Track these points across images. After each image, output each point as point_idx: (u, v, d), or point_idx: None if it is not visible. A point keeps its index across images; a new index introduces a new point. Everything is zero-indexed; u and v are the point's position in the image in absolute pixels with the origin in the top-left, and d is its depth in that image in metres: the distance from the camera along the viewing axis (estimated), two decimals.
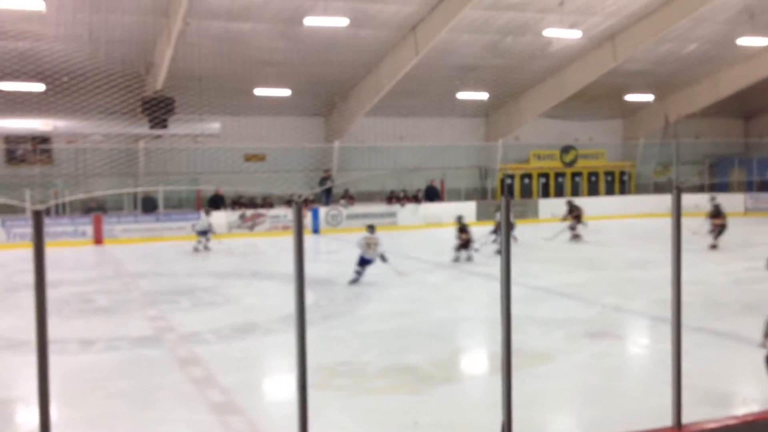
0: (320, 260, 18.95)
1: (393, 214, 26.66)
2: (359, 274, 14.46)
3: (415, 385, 8.01)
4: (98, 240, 23.17)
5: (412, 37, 21.80)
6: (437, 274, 16.23)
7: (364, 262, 14.54)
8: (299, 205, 4.24)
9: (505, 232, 4.65)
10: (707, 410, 6.38)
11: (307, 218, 24.71)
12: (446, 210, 27.33)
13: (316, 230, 25.27)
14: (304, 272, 4.46)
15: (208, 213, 21.24)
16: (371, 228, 14.92)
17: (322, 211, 25.82)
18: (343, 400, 7.51)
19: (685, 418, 5.04)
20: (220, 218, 23.38)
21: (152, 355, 9.51)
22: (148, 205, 25.08)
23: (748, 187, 30.27)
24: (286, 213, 24.97)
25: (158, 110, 22.41)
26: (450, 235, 18.74)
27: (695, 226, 18.14)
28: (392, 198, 27.64)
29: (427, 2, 20.17)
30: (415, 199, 27.95)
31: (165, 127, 23.01)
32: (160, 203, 25.21)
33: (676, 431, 5.00)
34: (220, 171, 25.64)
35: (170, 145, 24.56)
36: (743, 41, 23.42)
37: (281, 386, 8.26)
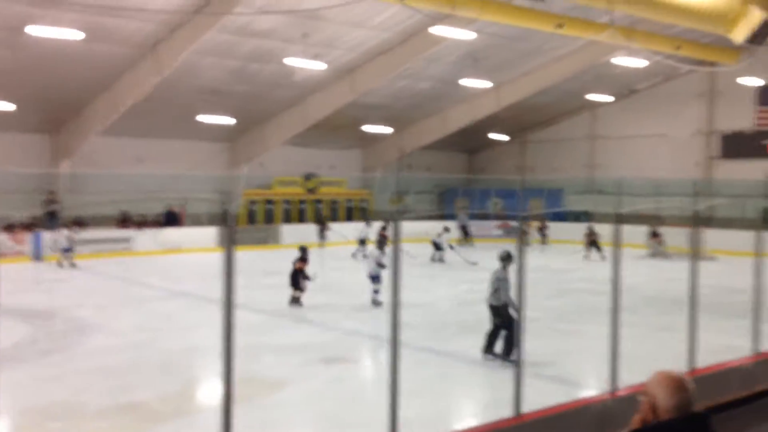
0: (40, 290, 17.28)
1: (127, 240, 25.16)
2: (375, 299, 14.38)
3: (138, 424, 7.50)
4: None
5: (154, 56, 20.91)
6: (172, 302, 15.54)
7: (374, 279, 14.47)
8: None
9: (226, 257, 4.46)
10: (425, 429, 6.70)
11: (26, 244, 22.58)
12: (186, 236, 26.50)
13: (37, 257, 23.07)
14: None
15: None
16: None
17: (46, 236, 23.62)
18: None
19: None
20: None
21: None
22: None
23: (471, 216, 33.03)
24: None
25: None
26: (190, 261, 18.11)
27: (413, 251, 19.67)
28: (127, 222, 26.13)
29: (169, 22, 19.48)
30: (155, 223, 26.72)
31: None
32: None
33: None
34: None
35: None
36: (467, 82, 25.68)
37: None
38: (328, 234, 28.35)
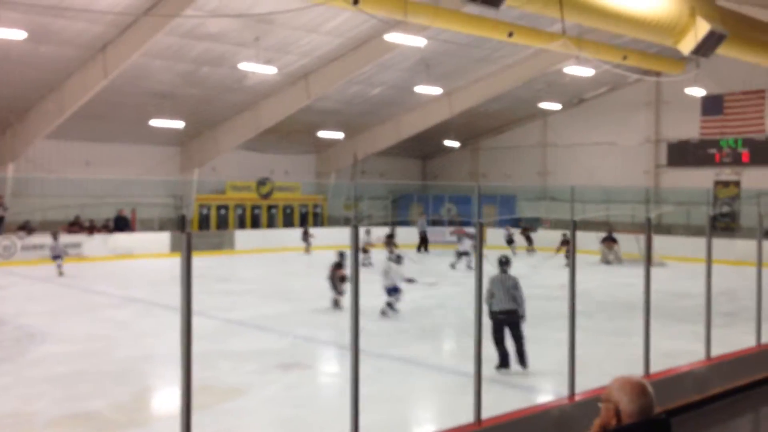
0: None
1: (78, 245, 24.59)
2: (391, 305, 13.89)
3: None
4: None
5: (101, 58, 20.52)
6: (124, 309, 15.23)
7: (392, 291, 13.92)
8: None
9: (183, 263, 4.39)
10: None
11: None
12: (138, 241, 26.05)
13: None
14: None
15: None
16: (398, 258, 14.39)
17: None
18: None
19: None
20: None
21: None
22: None
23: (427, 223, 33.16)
24: None
25: None
26: (142, 266, 17.79)
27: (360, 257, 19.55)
28: (76, 227, 25.54)
29: (117, 23, 19.13)
30: (105, 229, 26.19)
31: None
32: None
33: None
34: None
35: None
36: (420, 89, 25.85)
37: None
38: (312, 240, 28.09)
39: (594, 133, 32.51)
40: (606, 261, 24.74)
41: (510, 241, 27.35)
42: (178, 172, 29.42)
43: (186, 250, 4.35)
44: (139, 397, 8.92)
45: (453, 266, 22.33)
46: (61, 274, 20.02)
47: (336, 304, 14.89)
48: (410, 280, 14.26)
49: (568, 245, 23.70)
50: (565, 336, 7.25)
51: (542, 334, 11.35)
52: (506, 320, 9.62)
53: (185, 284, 4.42)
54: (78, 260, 23.46)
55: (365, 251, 23.07)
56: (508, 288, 9.69)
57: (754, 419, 8.81)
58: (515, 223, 29.88)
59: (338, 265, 15.05)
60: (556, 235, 25.75)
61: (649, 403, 2.82)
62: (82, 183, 25.77)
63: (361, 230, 24.38)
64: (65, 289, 17.73)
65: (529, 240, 28.21)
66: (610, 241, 24.95)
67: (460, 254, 22.58)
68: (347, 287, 14.43)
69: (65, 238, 23.10)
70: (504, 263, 10.04)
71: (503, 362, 9.70)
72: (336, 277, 14.90)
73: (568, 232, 24.91)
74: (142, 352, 11.12)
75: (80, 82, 21.52)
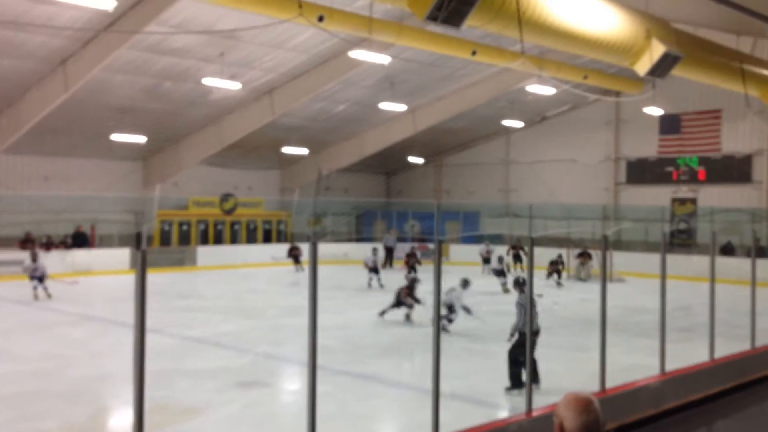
0: None
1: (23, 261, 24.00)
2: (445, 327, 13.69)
3: None
4: None
5: (62, 72, 20.25)
6: (81, 327, 14.95)
7: (450, 310, 14.12)
8: None
9: (138, 284, 4.34)
10: None
11: None
12: (97, 258, 25.61)
13: None
14: None
15: None
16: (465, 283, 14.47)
17: None
18: None
19: None
20: None
21: None
22: None
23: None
24: None
25: None
26: (101, 283, 17.49)
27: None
28: (30, 243, 25.01)
29: (79, 37, 18.91)
30: (63, 245, 25.70)
31: None
32: None
33: None
34: None
35: None
36: (385, 106, 25.98)
37: None
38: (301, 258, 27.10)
39: (556, 151, 32.95)
40: (578, 277, 24.60)
41: (501, 273, 22.30)
42: (139, 188, 29.06)
43: (140, 268, 4.30)
44: (92, 417, 8.74)
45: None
46: (36, 297, 18.39)
47: (407, 318, 15.67)
48: (466, 310, 14.19)
49: (557, 265, 23.33)
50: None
51: (504, 350, 11.40)
52: (534, 341, 9.12)
53: (139, 303, 4.37)
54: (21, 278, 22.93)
55: (375, 271, 22.21)
56: (527, 308, 9.17)
57: None
58: (492, 240, 29.35)
59: (409, 288, 16.04)
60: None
61: (593, 420, 2.82)
62: (39, 199, 25.31)
63: (369, 249, 23.71)
64: (20, 307, 17.35)
65: (517, 258, 26.73)
66: (585, 256, 24.87)
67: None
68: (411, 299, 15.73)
69: (19, 254, 22.59)
70: (521, 284, 9.94)
71: (519, 383, 9.31)
72: (404, 296, 15.87)
73: (562, 253, 24.61)
74: (97, 371, 10.90)
75: (39, 96, 21.19)
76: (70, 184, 26.50)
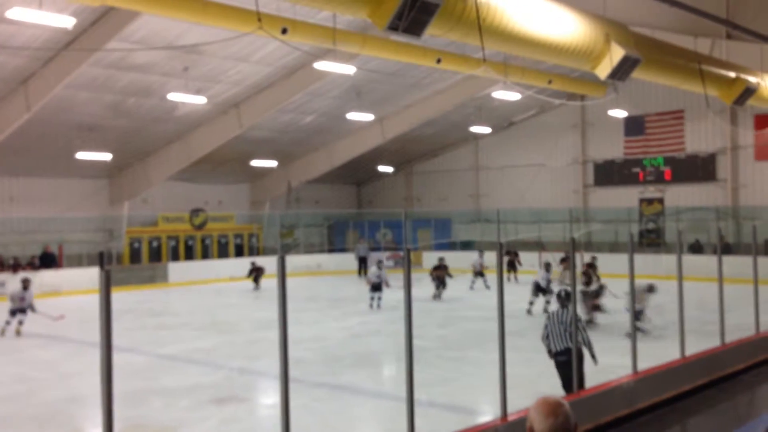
0: None
1: (2, 284, 23.66)
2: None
3: None
4: None
5: (23, 92, 19.99)
6: (51, 349, 14.71)
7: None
8: None
9: (103, 305, 4.29)
10: None
11: None
12: (65, 278, 25.24)
13: None
14: None
15: None
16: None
17: None
18: None
19: None
20: None
21: None
22: None
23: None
24: None
25: None
26: (70, 304, 17.20)
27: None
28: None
29: (39, 56, 18.68)
30: (30, 266, 25.29)
31: None
32: None
33: None
34: None
35: None
36: (352, 116, 26.01)
37: None
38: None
39: (524, 156, 33.22)
40: (563, 282, 24.31)
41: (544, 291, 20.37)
42: (107, 206, 28.70)
43: (104, 288, 4.26)
44: None
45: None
46: (18, 332, 16.30)
47: (436, 297, 18.71)
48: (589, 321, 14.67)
49: (567, 262, 23.22)
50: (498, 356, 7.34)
51: (479, 356, 11.45)
52: (566, 362, 8.61)
53: (104, 323, 4.32)
54: (1, 299, 22.57)
55: (379, 289, 19.82)
56: (566, 325, 8.79)
57: (681, 431, 9.05)
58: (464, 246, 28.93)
59: (437, 267, 20.18)
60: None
61: (561, 423, 2.85)
62: (6, 220, 24.92)
63: (343, 259, 23.10)
64: None
65: (512, 265, 25.81)
66: (568, 261, 24.63)
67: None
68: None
69: None
70: (565, 298, 9.18)
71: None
72: (434, 276, 19.73)
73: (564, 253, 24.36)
74: (68, 393, 10.74)
75: (1, 117, 20.86)
76: (37, 205, 26.12)
